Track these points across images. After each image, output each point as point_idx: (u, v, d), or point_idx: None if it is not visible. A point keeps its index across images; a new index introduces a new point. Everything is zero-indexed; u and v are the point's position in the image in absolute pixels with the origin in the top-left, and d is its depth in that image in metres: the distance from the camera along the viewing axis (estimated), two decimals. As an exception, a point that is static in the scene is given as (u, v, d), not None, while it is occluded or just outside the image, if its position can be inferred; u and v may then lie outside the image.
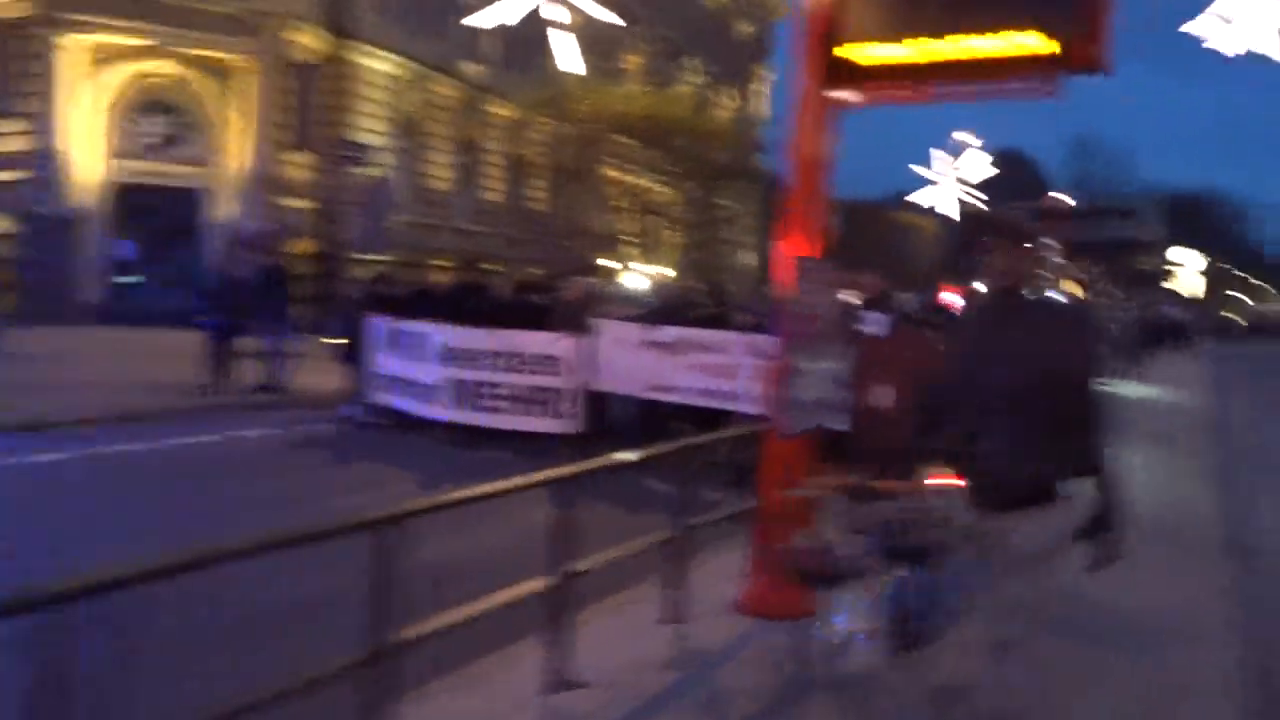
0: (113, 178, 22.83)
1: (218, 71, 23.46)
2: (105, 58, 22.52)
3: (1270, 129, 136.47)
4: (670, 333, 9.30)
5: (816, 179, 5.49)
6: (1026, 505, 3.34)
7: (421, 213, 28.65)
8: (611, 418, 10.24)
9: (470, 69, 29.52)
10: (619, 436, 10.26)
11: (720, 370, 8.72)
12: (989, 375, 3.42)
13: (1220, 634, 5.57)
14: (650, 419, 9.78)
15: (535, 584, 4.25)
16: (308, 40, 24.51)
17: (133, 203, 22.82)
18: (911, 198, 31.69)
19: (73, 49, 22.16)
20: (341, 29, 24.88)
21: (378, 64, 26.53)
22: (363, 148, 21.46)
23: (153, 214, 22.74)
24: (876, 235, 39.33)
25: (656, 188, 38.11)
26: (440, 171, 30.09)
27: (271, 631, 5.21)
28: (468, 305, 11.18)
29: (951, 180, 29.58)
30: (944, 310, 11.75)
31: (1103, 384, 3.67)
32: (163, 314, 18.92)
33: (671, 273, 34.95)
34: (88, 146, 22.43)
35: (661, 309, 11.03)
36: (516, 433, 10.30)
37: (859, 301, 11.67)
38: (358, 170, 20.95)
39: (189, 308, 14.89)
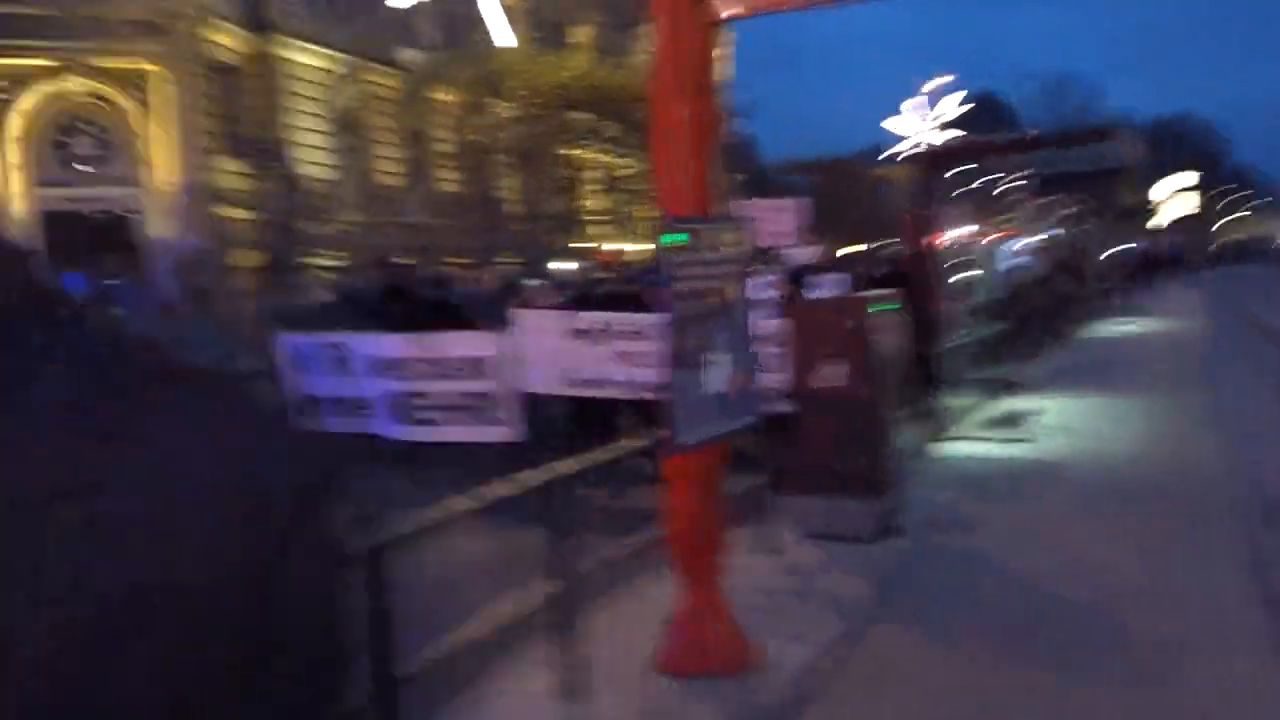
0: (39, 208, 21.59)
1: (134, 82, 22.14)
2: (13, 83, 21.23)
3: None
4: (588, 318, 8.14)
5: (700, 112, 4.32)
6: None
7: (372, 211, 27.40)
8: (541, 420, 9.10)
9: (407, 55, 28.15)
10: (552, 441, 9.16)
11: (648, 358, 7.55)
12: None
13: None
14: (588, 418, 8.64)
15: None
16: (226, 39, 23.18)
17: (65, 232, 21.57)
18: (889, 152, 30.67)
19: (-22, 75, 20.88)
20: (262, 24, 23.56)
21: (306, 58, 25.19)
22: (271, 145, 20.18)
23: (87, 241, 21.48)
24: (850, 192, 38.03)
25: (620, 162, 36.79)
26: (388, 166, 28.81)
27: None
28: (391, 308, 10.03)
29: (925, 129, 28.56)
30: (921, 261, 10.62)
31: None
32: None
33: (648, 247, 33.65)
34: (8, 178, 21.18)
35: (581, 292, 9.83)
36: (461, 447, 9.22)
37: (808, 263, 10.53)
38: (271, 169, 19.70)
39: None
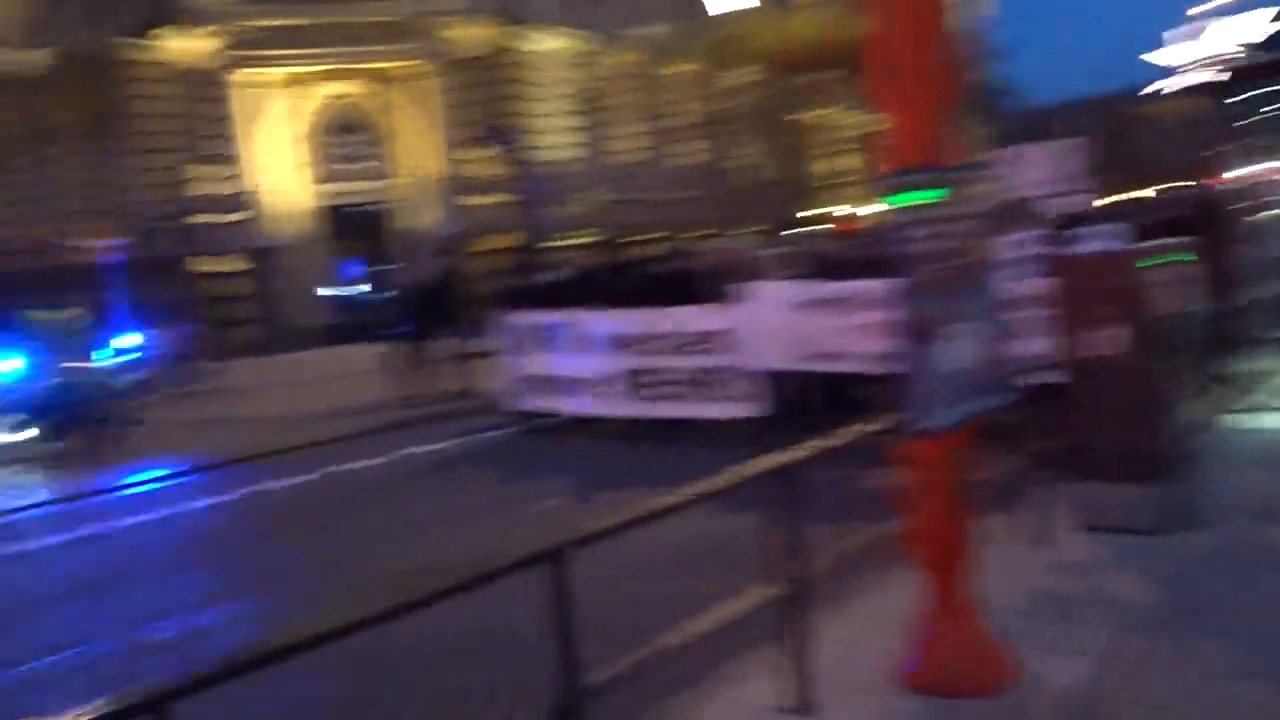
0: (316, 203, 23.46)
1: (392, 81, 23.53)
2: (291, 88, 23.11)
3: None
4: (825, 289, 7.61)
5: (934, 49, 3.74)
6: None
7: (615, 188, 27.80)
8: (789, 396, 8.67)
9: (641, 32, 28.24)
10: (803, 418, 8.71)
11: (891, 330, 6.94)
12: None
13: None
14: (833, 395, 8.14)
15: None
16: (472, 33, 24.11)
17: (338, 223, 23.36)
18: (1154, 87, 27.56)
19: (260, 85, 22.84)
20: (505, 15, 24.31)
21: (546, 44, 25.81)
22: (504, 131, 20.70)
23: (356, 231, 23.14)
24: (1124, 132, 34.57)
25: (859, 121, 35.33)
26: (629, 143, 29.12)
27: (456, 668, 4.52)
28: (624, 285, 9.93)
29: (1197, 60, 25.38)
30: (1213, 204, 9.29)
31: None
32: (380, 328, 19.04)
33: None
34: (290, 177, 23.12)
35: (819, 261, 9.23)
36: (696, 422, 9.03)
37: (1078, 212, 9.38)
38: (508, 154, 20.21)
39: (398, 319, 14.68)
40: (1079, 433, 5.60)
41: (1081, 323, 5.73)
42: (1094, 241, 7.35)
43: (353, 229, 22.98)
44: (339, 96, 23.41)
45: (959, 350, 3.80)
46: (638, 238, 23.22)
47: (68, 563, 7.60)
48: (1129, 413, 5.53)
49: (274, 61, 22.51)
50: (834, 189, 35.31)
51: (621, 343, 9.39)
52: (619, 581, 4.81)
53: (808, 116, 34.19)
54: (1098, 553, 5.02)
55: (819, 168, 35.54)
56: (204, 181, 23.92)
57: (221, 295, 23.27)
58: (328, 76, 23.10)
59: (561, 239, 21.64)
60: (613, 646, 2.98)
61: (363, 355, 16.63)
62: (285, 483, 9.71)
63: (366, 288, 22.65)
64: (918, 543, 3.92)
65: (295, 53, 22.33)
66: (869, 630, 4.16)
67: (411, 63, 23.37)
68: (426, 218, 23.77)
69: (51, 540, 8.26)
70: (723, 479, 3.55)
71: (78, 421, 11.96)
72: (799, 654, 3.62)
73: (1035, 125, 34.86)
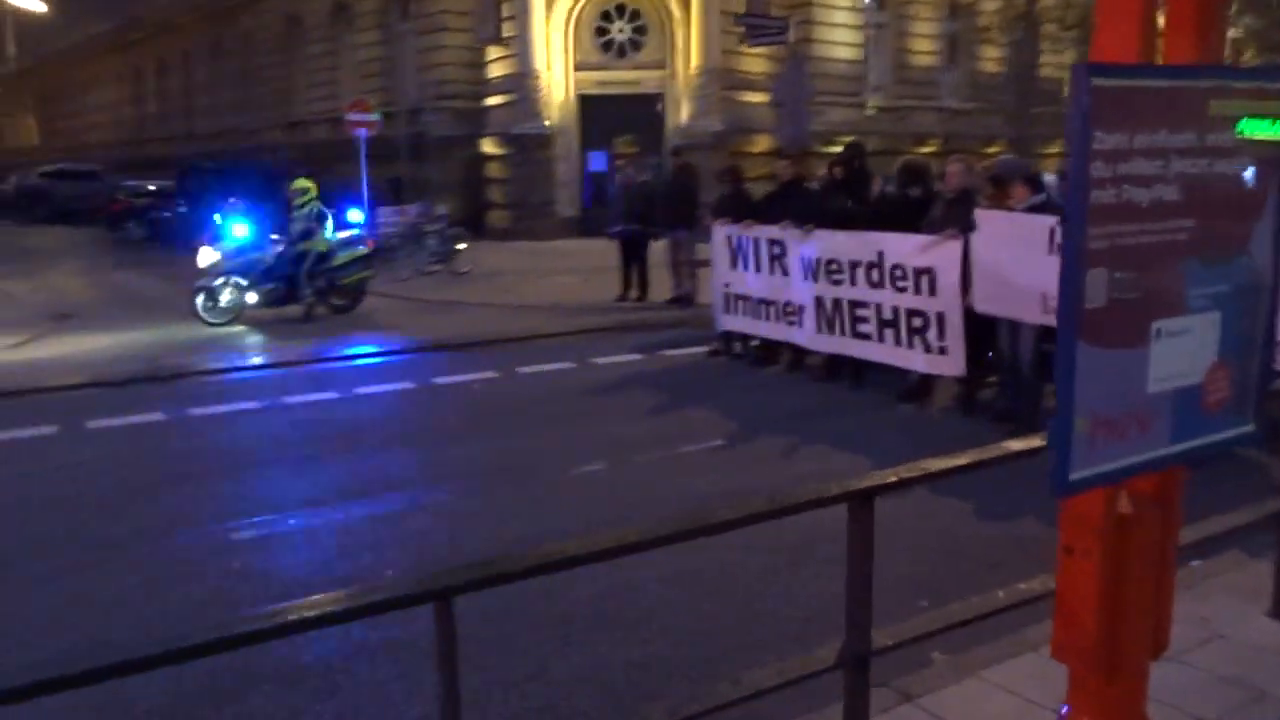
0: (578, 90, 23.02)
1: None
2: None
3: None
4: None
5: None
6: None
7: (898, 94, 25.44)
8: (999, 353, 7.11)
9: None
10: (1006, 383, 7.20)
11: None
12: None
13: None
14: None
15: None
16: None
17: (598, 113, 22.86)
18: None
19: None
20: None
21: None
22: (771, 21, 18.86)
23: (617, 123, 22.52)
24: None
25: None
26: (922, 45, 26.43)
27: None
28: (833, 205, 8.58)
29: None
30: None
31: None
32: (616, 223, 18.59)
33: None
34: (554, 62, 22.76)
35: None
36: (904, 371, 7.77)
37: None
38: (769, 47, 18.46)
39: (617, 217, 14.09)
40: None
41: None
42: None
43: (614, 120, 22.34)
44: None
45: (1170, 360, 2.40)
46: (923, 150, 21.08)
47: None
48: None
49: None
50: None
51: (820, 267, 8.08)
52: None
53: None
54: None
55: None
56: (476, 65, 24.11)
57: (485, 178, 23.59)
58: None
59: (826, 146, 19.95)
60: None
61: (605, 249, 16.20)
62: (463, 378, 9.37)
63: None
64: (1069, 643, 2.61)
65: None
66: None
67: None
68: (691, 112, 22.73)
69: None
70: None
71: (294, 291, 12.23)
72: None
73: None
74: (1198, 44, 2.39)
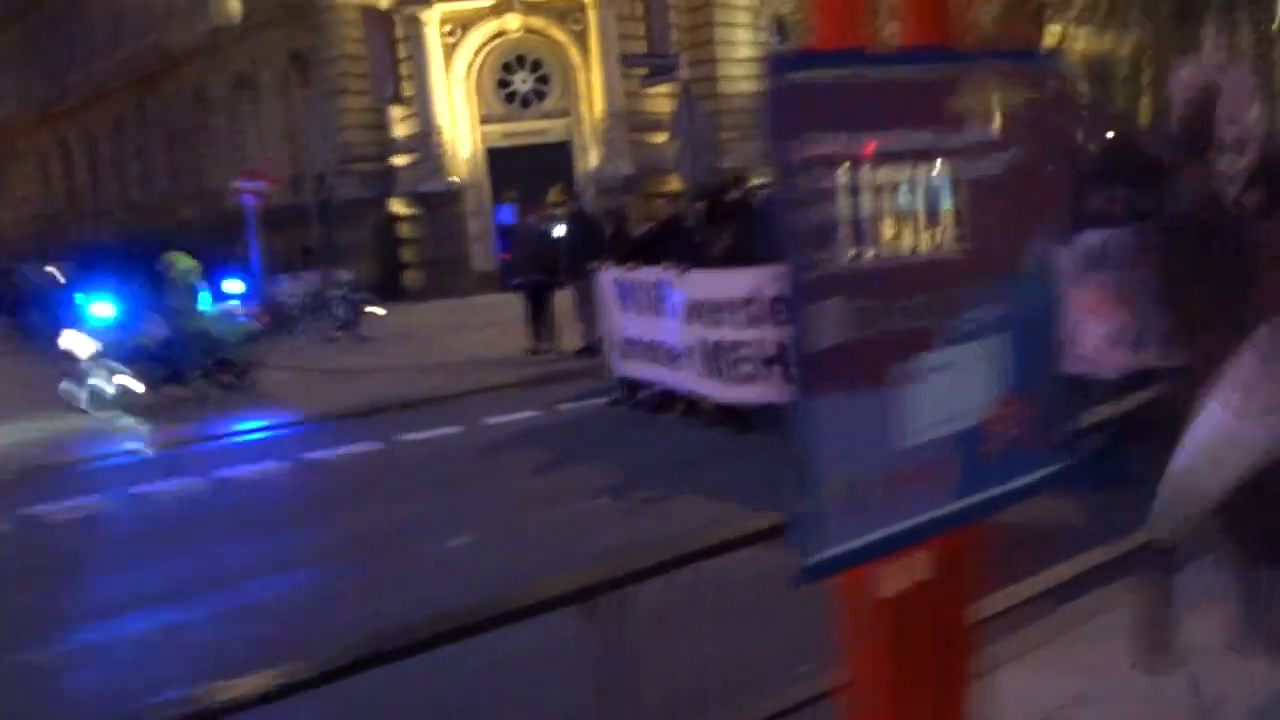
0: (486, 144, 22.73)
1: (564, 14, 22.26)
2: (462, 24, 22.33)
3: None
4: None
5: None
6: None
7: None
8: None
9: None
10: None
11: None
12: None
13: None
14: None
15: None
16: (651, -47, 22.41)
17: (509, 166, 22.54)
18: None
19: (435, 22, 22.21)
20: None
21: (732, -37, 23.70)
22: (661, 59, 18.74)
23: (526, 174, 22.21)
24: None
25: (1090, 39, 30.67)
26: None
27: None
28: (711, 242, 8.26)
29: None
30: None
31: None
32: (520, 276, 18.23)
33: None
34: (458, 117, 22.47)
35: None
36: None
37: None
38: (670, 86, 18.29)
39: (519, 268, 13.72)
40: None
41: None
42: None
43: (523, 172, 22.04)
44: (505, 32, 22.43)
45: (948, 394, 2.01)
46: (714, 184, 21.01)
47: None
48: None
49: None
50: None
51: (697, 309, 7.71)
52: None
53: (1046, 35, 30.16)
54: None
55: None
56: (379, 126, 23.72)
57: (397, 239, 23.10)
58: (492, 12, 22.13)
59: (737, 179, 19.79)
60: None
61: (515, 304, 15.72)
62: (347, 449, 8.85)
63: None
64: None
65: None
66: None
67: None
68: (601, 157, 22.52)
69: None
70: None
71: (178, 371, 11.60)
72: None
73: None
74: (936, 22, 2.04)
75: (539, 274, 13.20)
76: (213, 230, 22.29)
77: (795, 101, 1.82)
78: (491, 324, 16.09)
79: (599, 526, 5.96)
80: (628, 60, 20.05)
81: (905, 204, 1.89)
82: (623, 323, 8.92)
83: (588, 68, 22.43)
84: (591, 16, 22.05)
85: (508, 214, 22.08)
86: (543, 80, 22.80)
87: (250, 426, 10.22)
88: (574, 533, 5.84)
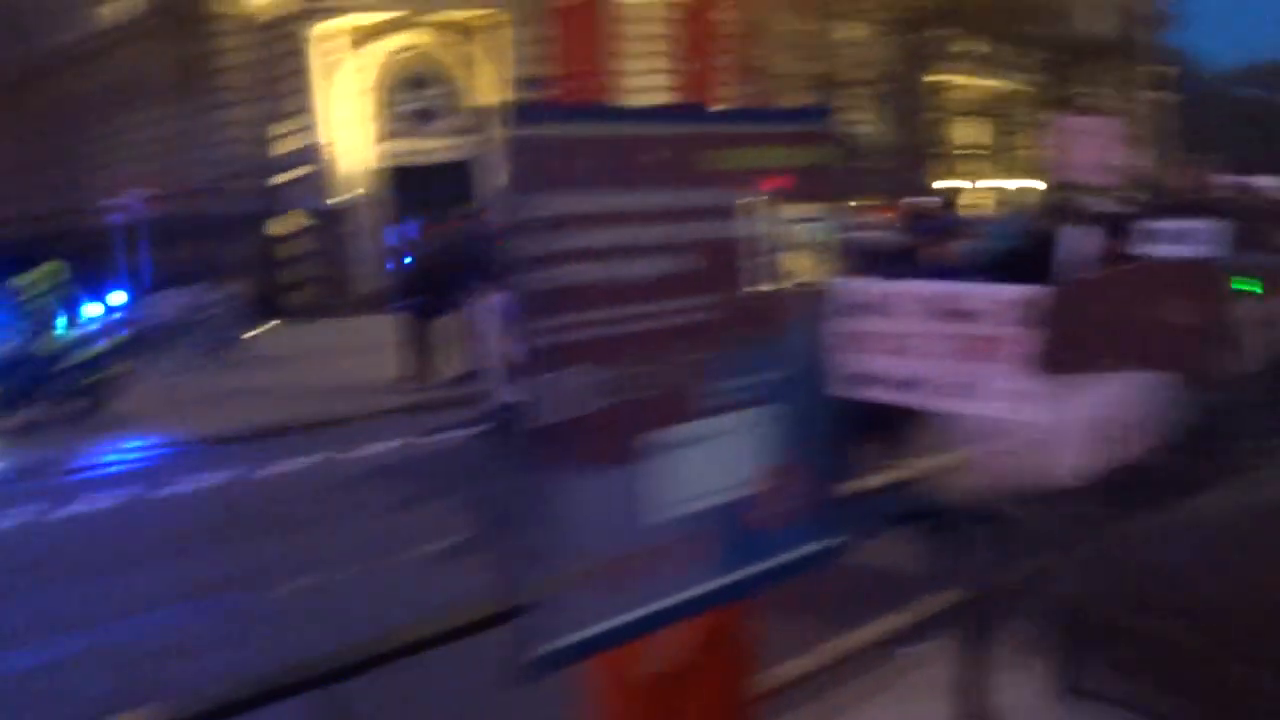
0: (382, 162, 22.31)
1: (467, 33, 22.05)
2: (358, 40, 21.92)
3: None
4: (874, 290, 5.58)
5: None
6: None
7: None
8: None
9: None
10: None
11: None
12: None
13: None
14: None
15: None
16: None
17: (405, 184, 22.18)
18: None
19: (326, 38, 21.75)
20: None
21: (634, -9, 23.82)
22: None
23: (426, 194, 21.87)
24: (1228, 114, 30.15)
25: (1004, 86, 31.92)
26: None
27: None
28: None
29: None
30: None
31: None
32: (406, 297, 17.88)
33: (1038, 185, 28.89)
34: (354, 134, 22.02)
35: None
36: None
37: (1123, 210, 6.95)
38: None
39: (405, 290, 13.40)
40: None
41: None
42: (1176, 244, 5.17)
43: (422, 191, 21.70)
44: (407, 49, 22.10)
45: (708, 466, 1.89)
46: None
47: None
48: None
49: (339, 13, 21.34)
50: (969, 159, 32.15)
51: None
52: None
53: (941, 79, 31.10)
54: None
55: (964, 134, 32.23)
56: (267, 141, 23.09)
57: (283, 256, 22.46)
58: (392, 29, 21.80)
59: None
60: None
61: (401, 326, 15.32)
62: (203, 482, 8.42)
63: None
64: None
65: (361, 1, 21.10)
66: None
67: (489, 11, 21.81)
68: (499, 179, 22.28)
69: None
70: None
71: (25, 393, 10.93)
72: None
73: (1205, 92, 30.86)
74: (701, 81, 1.95)
75: (427, 295, 12.91)
76: (87, 244, 21.33)
77: (539, 155, 1.71)
78: (375, 346, 15.67)
79: (442, 574, 5.74)
80: (524, 83, 19.97)
81: (650, 268, 1.79)
82: (505, 345, 8.73)
83: (493, 86, 22.23)
84: (498, 35, 21.87)
85: (402, 233, 21.72)
86: (446, 97, 22.50)
87: (98, 459, 9.64)
88: (415, 580, 5.62)
